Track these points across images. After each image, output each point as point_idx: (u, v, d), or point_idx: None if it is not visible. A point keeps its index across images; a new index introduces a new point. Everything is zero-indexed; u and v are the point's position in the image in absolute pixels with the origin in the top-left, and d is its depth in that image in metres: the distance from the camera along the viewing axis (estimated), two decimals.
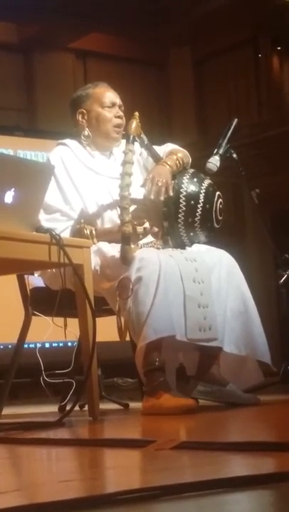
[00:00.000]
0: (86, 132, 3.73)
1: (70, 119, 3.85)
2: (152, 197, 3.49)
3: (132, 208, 3.45)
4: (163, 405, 3.19)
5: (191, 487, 1.35)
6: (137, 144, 3.55)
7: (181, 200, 3.55)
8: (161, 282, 3.30)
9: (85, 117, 3.74)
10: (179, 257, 3.45)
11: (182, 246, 3.58)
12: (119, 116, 3.73)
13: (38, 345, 3.78)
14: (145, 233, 3.50)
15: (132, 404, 3.87)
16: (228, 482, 1.38)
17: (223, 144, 3.86)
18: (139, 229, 3.46)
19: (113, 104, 3.74)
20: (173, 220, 3.55)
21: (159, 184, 3.49)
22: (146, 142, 3.62)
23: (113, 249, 3.46)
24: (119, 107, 3.76)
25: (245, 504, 1.29)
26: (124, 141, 3.59)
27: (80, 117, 3.75)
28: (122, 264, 3.36)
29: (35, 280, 3.77)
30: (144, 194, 3.59)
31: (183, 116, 8.91)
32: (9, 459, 2.13)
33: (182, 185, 3.58)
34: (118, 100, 3.77)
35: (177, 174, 3.60)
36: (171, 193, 3.52)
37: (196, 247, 3.61)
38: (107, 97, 3.75)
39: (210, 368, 3.47)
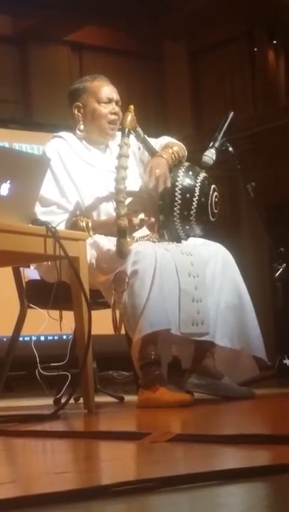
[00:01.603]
0: (81, 126, 3.72)
1: (66, 112, 3.84)
2: (151, 186, 3.49)
3: (128, 200, 3.45)
4: (158, 399, 3.20)
5: (185, 479, 1.35)
6: (132, 138, 3.55)
7: (176, 194, 3.55)
8: (156, 276, 3.30)
9: (81, 111, 3.73)
10: (174, 251, 3.45)
11: (178, 239, 3.59)
12: (114, 113, 3.71)
13: (34, 337, 3.78)
14: (141, 224, 3.50)
15: (127, 397, 3.88)
16: (223, 474, 1.38)
17: (219, 138, 3.86)
18: (135, 220, 3.46)
19: (110, 100, 3.72)
20: (168, 213, 3.56)
21: (157, 175, 3.49)
22: (142, 135, 3.62)
23: (109, 243, 3.46)
24: (116, 102, 3.73)
25: (240, 496, 1.29)
26: (119, 134, 3.59)
27: (75, 111, 3.74)
28: (118, 257, 3.36)
29: (31, 273, 3.77)
30: (141, 186, 3.59)
31: (178, 109, 8.90)
32: (4, 451, 2.13)
33: (178, 179, 3.58)
34: (115, 95, 3.74)
35: (173, 167, 3.60)
36: (169, 184, 3.52)
37: (192, 240, 3.62)
38: (104, 93, 3.72)
39: (203, 360, 3.47)
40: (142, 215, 3.54)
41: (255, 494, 1.30)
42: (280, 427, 2.45)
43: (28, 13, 7.82)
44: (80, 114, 3.74)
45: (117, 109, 3.72)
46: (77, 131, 3.73)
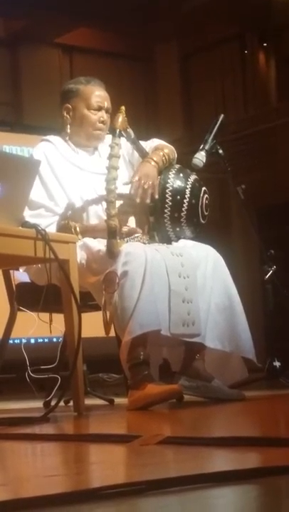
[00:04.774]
0: (68, 129, 3.72)
1: (57, 114, 3.84)
2: (138, 200, 3.49)
3: (118, 202, 3.45)
4: (148, 393, 3.18)
5: (175, 482, 1.35)
6: (123, 139, 3.55)
7: (167, 196, 3.55)
8: (147, 276, 3.30)
9: (70, 114, 3.73)
10: (165, 252, 3.46)
11: (168, 241, 3.59)
12: (102, 122, 3.70)
13: (24, 340, 3.77)
14: (129, 234, 3.51)
15: (117, 400, 3.87)
16: (213, 477, 1.38)
17: (209, 140, 3.87)
18: (124, 228, 3.47)
19: (100, 108, 3.70)
20: (159, 215, 3.56)
21: (146, 187, 3.49)
22: (132, 137, 3.62)
23: (99, 244, 3.46)
24: (106, 110, 3.71)
25: (230, 498, 1.29)
26: (109, 136, 3.59)
27: (65, 112, 3.74)
28: (108, 258, 3.36)
29: (21, 275, 3.76)
30: (130, 192, 3.59)
31: (169, 111, 8.91)
32: None
33: (168, 181, 3.58)
34: (106, 103, 3.71)
35: (163, 170, 3.60)
36: (156, 196, 3.52)
37: (182, 242, 3.62)
38: (95, 99, 3.70)
39: (193, 362, 3.47)
40: (132, 220, 3.54)
41: (246, 496, 1.29)
42: (270, 429, 2.45)
43: (19, 15, 7.81)
44: (68, 117, 3.73)
45: (105, 117, 3.70)
46: (64, 133, 3.72)
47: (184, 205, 3.56)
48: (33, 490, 1.43)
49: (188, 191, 3.58)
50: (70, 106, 3.72)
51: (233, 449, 1.79)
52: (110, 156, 3.41)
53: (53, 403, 3.14)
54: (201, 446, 1.87)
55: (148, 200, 3.50)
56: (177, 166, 3.68)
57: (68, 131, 3.71)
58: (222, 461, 1.73)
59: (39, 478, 1.59)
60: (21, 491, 1.45)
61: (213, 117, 4.03)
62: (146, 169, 3.55)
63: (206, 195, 3.65)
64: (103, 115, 3.69)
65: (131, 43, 8.64)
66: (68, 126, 3.71)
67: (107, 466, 1.75)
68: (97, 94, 3.71)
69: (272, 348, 4.21)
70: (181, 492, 1.31)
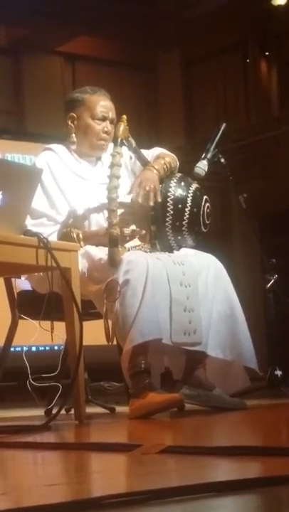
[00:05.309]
0: (73, 138, 3.72)
1: (59, 122, 3.85)
2: (140, 201, 3.49)
3: (120, 211, 3.45)
4: (149, 402, 3.18)
5: (177, 491, 1.34)
6: (124, 148, 3.55)
7: (168, 204, 3.55)
8: (148, 285, 3.30)
9: (74, 123, 3.73)
10: (166, 260, 3.46)
11: (170, 250, 3.59)
12: (106, 132, 3.70)
13: (25, 348, 3.77)
14: (132, 235, 3.50)
15: (119, 408, 3.87)
16: (214, 487, 1.38)
17: (211, 149, 3.87)
18: (126, 231, 3.46)
19: (104, 118, 3.69)
20: (160, 223, 3.56)
21: (147, 189, 3.49)
22: (134, 145, 3.62)
23: (101, 252, 3.46)
24: (111, 121, 3.71)
25: (231, 509, 1.29)
26: (111, 145, 3.59)
27: (69, 121, 3.74)
28: (110, 266, 3.36)
29: (22, 283, 3.76)
30: (132, 198, 3.59)
31: (171, 119, 8.92)
32: None
33: (169, 189, 3.58)
34: (111, 114, 3.71)
35: (165, 178, 3.61)
36: (159, 199, 3.52)
37: (183, 250, 3.62)
38: (100, 109, 3.69)
39: (195, 371, 3.47)
40: (133, 226, 3.54)
41: (247, 506, 1.29)
42: (271, 439, 2.44)
43: (21, 24, 7.84)
44: (72, 126, 3.73)
45: (110, 127, 3.70)
46: (69, 142, 3.73)
47: (186, 213, 3.56)
48: (34, 499, 1.43)
49: (189, 200, 3.58)
50: (74, 115, 3.72)
51: (235, 459, 1.78)
52: (112, 165, 3.41)
53: (54, 411, 3.14)
54: (203, 455, 1.87)
55: (151, 203, 3.50)
56: (179, 175, 3.68)
57: (74, 139, 3.71)
58: (224, 470, 1.72)
59: (40, 487, 1.58)
60: (22, 500, 1.45)
61: (214, 125, 4.04)
62: (148, 174, 3.56)
63: (207, 204, 3.65)
64: (107, 125, 3.69)
65: (133, 52, 8.66)
66: (73, 134, 3.72)
67: (108, 475, 1.74)
68: (103, 104, 3.71)
69: (274, 356, 4.21)
70: (183, 502, 1.31)
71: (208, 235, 3.68)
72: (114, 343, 3.45)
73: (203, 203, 3.62)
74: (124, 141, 3.51)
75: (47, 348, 6.07)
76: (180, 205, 3.56)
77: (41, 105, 7.91)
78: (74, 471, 1.92)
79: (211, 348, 3.46)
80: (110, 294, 3.32)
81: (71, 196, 3.62)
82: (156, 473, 1.66)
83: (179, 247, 3.61)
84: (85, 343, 3.10)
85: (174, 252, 3.59)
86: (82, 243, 3.48)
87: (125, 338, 3.27)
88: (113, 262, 3.34)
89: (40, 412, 3.75)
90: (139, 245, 3.59)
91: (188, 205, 3.57)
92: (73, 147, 3.72)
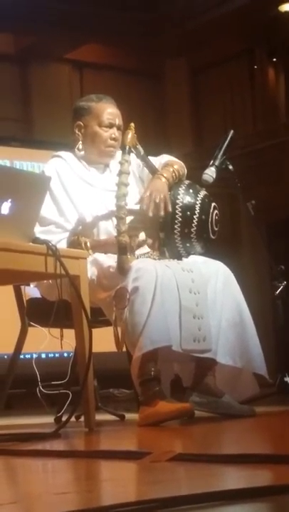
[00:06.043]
0: (80, 146, 3.73)
1: (67, 129, 3.86)
2: (151, 214, 3.49)
3: (129, 218, 3.46)
4: (159, 411, 3.18)
5: (187, 500, 1.35)
6: (132, 155, 3.56)
7: (177, 211, 3.56)
8: (157, 292, 3.30)
9: (82, 131, 3.74)
10: (175, 267, 3.46)
11: (178, 257, 3.59)
12: (114, 139, 3.71)
13: (34, 355, 3.77)
14: (140, 245, 3.51)
15: (128, 416, 3.87)
16: (224, 495, 1.38)
17: (219, 156, 3.87)
18: (134, 242, 3.47)
19: (111, 125, 3.70)
20: (169, 231, 3.56)
21: (157, 200, 3.49)
22: (142, 153, 3.63)
23: (110, 260, 3.46)
24: (118, 127, 3.71)
25: None
26: (119, 153, 3.60)
27: (76, 130, 3.75)
28: (119, 274, 3.36)
29: (32, 291, 3.77)
30: (141, 205, 3.59)
31: (178, 127, 8.92)
32: (5, 471, 2.12)
33: (178, 197, 3.58)
34: (118, 120, 3.72)
35: (173, 185, 3.61)
36: (170, 209, 3.52)
37: (192, 258, 3.62)
38: (107, 117, 3.70)
39: (204, 378, 3.47)
40: (142, 235, 3.54)
41: None
42: (281, 446, 2.44)
43: (29, 32, 7.86)
44: (80, 134, 3.74)
45: (117, 134, 3.71)
46: (76, 150, 3.74)
47: (194, 220, 3.56)
48: (44, 507, 1.43)
49: (198, 207, 3.58)
50: (81, 123, 3.74)
51: (245, 466, 1.78)
52: (120, 173, 3.42)
53: (63, 419, 3.14)
54: (212, 463, 1.87)
55: (162, 213, 3.50)
56: (187, 182, 3.68)
57: (80, 147, 3.72)
58: (233, 478, 1.72)
59: (50, 496, 1.59)
60: (32, 508, 1.45)
61: (222, 132, 4.05)
62: (157, 184, 3.56)
63: (216, 211, 3.65)
64: (115, 132, 3.70)
65: (140, 59, 8.66)
66: (80, 143, 3.73)
67: (118, 483, 1.75)
68: (109, 111, 3.73)
69: (283, 363, 4.20)
70: (193, 510, 1.31)
71: (217, 241, 3.68)
72: (124, 350, 3.45)
73: (211, 210, 3.62)
74: (132, 149, 3.52)
75: (56, 355, 6.08)
76: (188, 213, 3.57)
77: (49, 112, 7.92)
78: (84, 479, 1.92)
79: (221, 355, 3.46)
80: (119, 301, 3.33)
81: (80, 203, 3.63)
82: (165, 482, 1.67)
83: (188, 254, 3.61)
84: (94, 350, 3.11)
85: (183, 259, 3.59)
86: (90, 251, 3.49)
87: (135, 346, 3.27)
88: (122, 269, 3.35)
89: (49, 419, 3.75)
90: (148, 253, 3.59)
91: (196, 212, 3.57)
92: (81, 154, 3.73)
